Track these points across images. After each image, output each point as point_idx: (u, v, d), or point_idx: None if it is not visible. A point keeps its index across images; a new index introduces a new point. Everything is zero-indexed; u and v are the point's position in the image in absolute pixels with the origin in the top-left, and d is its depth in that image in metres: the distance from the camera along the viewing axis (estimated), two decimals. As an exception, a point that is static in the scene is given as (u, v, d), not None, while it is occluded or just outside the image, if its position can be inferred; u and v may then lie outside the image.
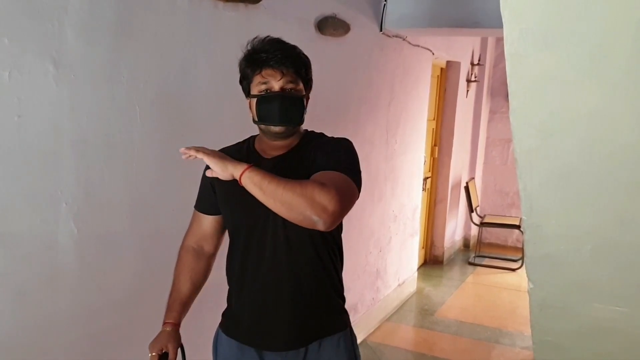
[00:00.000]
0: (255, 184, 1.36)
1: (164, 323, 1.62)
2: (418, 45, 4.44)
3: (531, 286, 1.67)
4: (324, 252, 1.61)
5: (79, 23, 1.70)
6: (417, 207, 5.02)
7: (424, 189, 5.32)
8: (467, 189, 6.08)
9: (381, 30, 3.75)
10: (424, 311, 4.74)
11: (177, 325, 1.62)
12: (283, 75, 1.50)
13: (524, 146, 1.23)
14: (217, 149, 2.37)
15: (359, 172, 1.55)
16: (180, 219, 2.14)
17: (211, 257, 1.73)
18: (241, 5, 2.34)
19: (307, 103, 1.59)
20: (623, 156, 1.14)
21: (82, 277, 1.83)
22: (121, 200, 1.93)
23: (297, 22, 2.79)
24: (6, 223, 1.59)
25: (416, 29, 3.87)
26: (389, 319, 4.46)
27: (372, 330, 4.17)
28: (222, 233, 1.73)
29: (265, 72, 1.50)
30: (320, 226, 1.36)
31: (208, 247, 1.71)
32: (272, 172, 1.42)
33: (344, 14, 3.18)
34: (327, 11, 3.03)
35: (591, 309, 1.62)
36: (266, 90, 1.52)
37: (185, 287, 1.66)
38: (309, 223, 1.36)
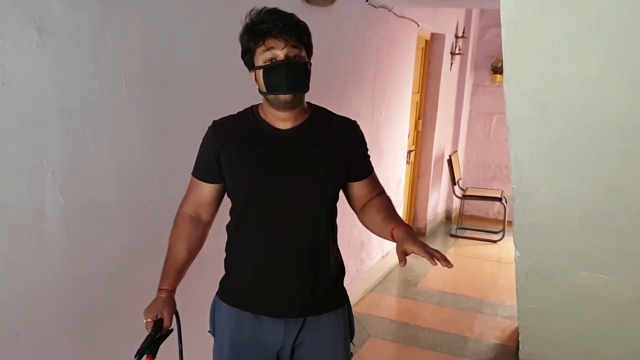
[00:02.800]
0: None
1: (159, 289, 1.60)
2: (404, 17, 4.41)
3: (518, 254, 1.70)
4: (329, 225, 1.68)
5: (62, -12, 1.65)
6: (401, 180, 5.04)
7: (407, 162, 5.34)
8: (450, 162, 6.12)
9: (367, 1, 3.71)
10: (407, 282, 4.80)
11: (172, 292, 1.61)
12: (286, 43, 1.51)
13: (516, 115, 1.24)
14: (204, 118, 2.37)
15: None
16: (166, 189, 2.14)
17: (208, 224, 1.72)
18: (227, -27, 2.30)
19: (310, 69, 1.59)
20: (614, 124, 1.15)
21: (69, 248, 1.81)
22: (107, 170, 1.90)
23: (284, -9, 2.75)
24: (-8, 193, 1.57)
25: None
26: (373, 289, 4.52)
27: (357, 300, 4.22)
28: (220, 201, 1.72)
29: (268, 42, 1.51)
30: None
31: (205, 215, 1.70)
32: (290, 144, 1.58)
33: (330, -17, 3.14)
34: (314, -20, 2.99)
35: (577, 277, 1.66)
36: (271, 59, 1.52)
37: (181, 254, 1.65)
38: None
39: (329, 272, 1.67)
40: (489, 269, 5.30)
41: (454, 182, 6.22)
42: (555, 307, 1.85)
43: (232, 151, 1.53)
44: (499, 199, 6.16)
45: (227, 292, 1.71)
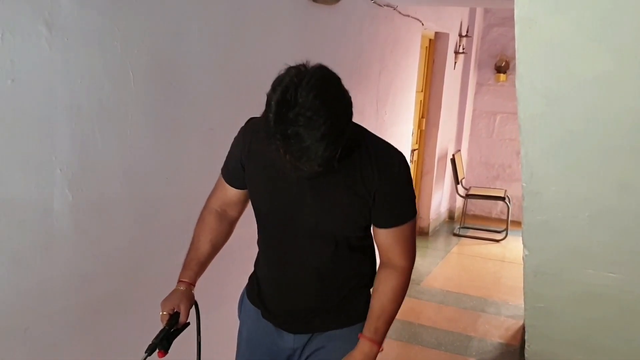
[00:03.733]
0: (381, 338, 1.55)
1: (179, 282, 1.57)
2: (408, 16, 4.41)
3: (526, 253, 1.70)
4: (353, 249, 1.56)
5: (71, -16, 1.65)
6: (405, 178, 5.04)
7: (411, 161, 5.34)
8: (453, 161, 6.12)
9: (372, -1, 3.71)
10: (410, 281, 4.79)
11: (191, 285, 1.57)
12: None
13: (528, 112, 1.24)
14: (211, 114, 2.36)
15: (414, 195, 1.55)
16: (174, 185, 2.14)
17: (234, 220, 1.69)
18: (235, -30, 2.30)
19: (344, 139, 1.29)
20: (626, 121, 1.15)
21: (77, 244, 1.81)
22: (116, 166, 1.91)
23: (290, -12, 2.75)
24: (1, 189, 1.57)
25: (407, -2, 3.83)
26: (376, 288, 4.52)
27: (360, 299, 4.22)
28: (247, 201, 1.66)
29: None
30: None
31: (232, 212, 1.67)
32: (311, 184, 1.42)
33: (336, -19, 3.14)
34: (320, -22, 2.99)
35: (584, 275, 1.66)
36: None
37: (204, 247, 1.61)
38: None
39: (339, 295, 1.59)
40: (492, 268, 5.30)
41: (457, 181, 6.22)
42: (562, 306, 1.85)
43: (254, 162, 1.45)
44: (502, 198, 6.16)
45: (250, 290, 1.71)
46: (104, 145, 1.84)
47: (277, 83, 1.23)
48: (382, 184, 1.42)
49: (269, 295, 1.64)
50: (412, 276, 4.73)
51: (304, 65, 1.27)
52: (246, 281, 1.76)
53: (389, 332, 3.82)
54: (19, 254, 1.65)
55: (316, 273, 1.55)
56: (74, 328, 1.85)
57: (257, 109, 2.55)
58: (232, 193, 1.63)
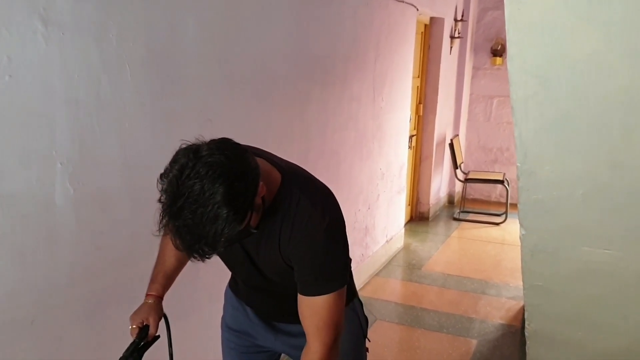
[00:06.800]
0: None
1: (147, 295, 1.59)
2: (402, 1, 4.40)
3: (523, 232, 1.72)
4: None
5: (65, -21, 1.66)
6: (404, 164, 5.06)
7: (409, 147, 5.36)
8: (451, 146, 6.13)
9: (366, -14, 3.71)
10: (411, 266, 4.84)
11: (159, 298, 1.59)
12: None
13: (520, 93, 1.26)
14: (207, 105, 2.37)
15: (346, 264, 1.38)
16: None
17: None
18: (227, -40, 2.30)
19: (257, 213, 1.22)
20: (617, 99, 1.17)
21: (80, 237, 1.83)
22: (115, 159, 1.92)
23: (283, -23, 2.75)
24: (2, 184, 1.59)
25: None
26: (377, 274, 4.56)
27: (362, 285, 4.26)
28: None
29: None
30: None
31: None
32: (240, 243, 1.37)
33: (329, -32, 3.14)
34: (313, -34, 2.99)
35: (581, 253, 1.68)
36: None
37: (170, 261, 1.63)
38: None
39: None
40: (492, 251, 5.33)
41: (456, 165, 6.24)
42: (560, 284, 1.88)
43: None
44: (501, 182, 6.18)
45: (232, 282, 1.74)
46: (103, 138, 1.86)
47: (167, 169, 1.16)
48: (297, 245, 1.30)
49: (242, 290, 1.67)
50: (413, 261, 4.66)
51: (197, 148, 1.15)
52: (215, 289, 1.78)
53: (392, 316, 3.82)
54: (23, 248, 1.67)
55: (272, 298, 1.55)
56: (79, 320, 1.88)
57: (254, 99, 2.57)
58: None
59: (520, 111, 1.29)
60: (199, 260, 1.17)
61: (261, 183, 1.18)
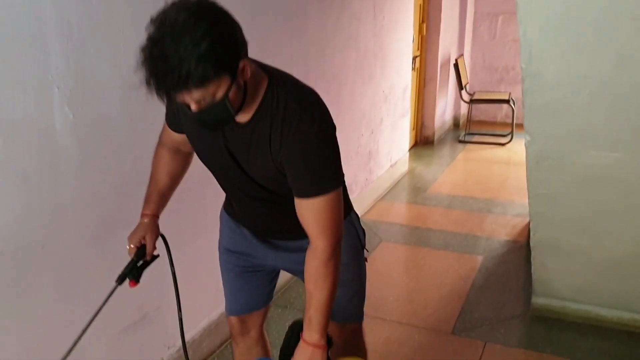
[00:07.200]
0: (318, 328, 1.33)
1: (142, 215, 1.57)
2: None
3: (528, 139, 1.70)
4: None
5: None
6: (407, 86, 4.98)
7: (413, 68, 5.26)
8: (456, 66, 6.02)
9: None
10: (416, 189, 4.86)
11: (155, 217, 1.58)
12: (189, 95, 1.13)
13: (525, -13, 1.20)
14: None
15: (339, 166, 1.35)
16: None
17: (189, 154, 1.66)
18: None
19: (237, 90, 1.18)
20: (626, -12, 1.12)
21: (83, 161, 1.83)
22: (112, 82, 1.89)
23: None
24: (1, 110, 1.57)
25: None
26: (382, 198, 4.58)
27: (367, 209, 4.29)
28: None
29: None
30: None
31: (184, 148, 1.62)
32: (226, 146, 1.35)
33: None
34: None
35: (586, 157, 1.67)
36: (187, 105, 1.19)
37: (163, 180, 1.61)
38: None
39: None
40: (498, 171, 5.34)
41: (461, 86, 6.15)
42: (565, 190, 1.87)
43: (184, 115, 1.33)
44: (507, 101, 6.11)
45: (227, 204, 1.73)
46: (97, 61, 1.82)
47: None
48: (289, 151, 1.27)
49: (237, 210, 1.66)
50: (418, 184, 4.66)
51: None
52: (218, 214, 1.78)
53: (397, 236, 3.84)
54: (26, 174, 1.67)
55: (268, 212, 1.53)
56: (88, 242, 1.90)
57: (249, 15, 2.48)
58: (177, 135, 1.57)
59: (524, 8, 1.24)
60: (165, 102, 1.15)
61: (247, 61, 1.15)
